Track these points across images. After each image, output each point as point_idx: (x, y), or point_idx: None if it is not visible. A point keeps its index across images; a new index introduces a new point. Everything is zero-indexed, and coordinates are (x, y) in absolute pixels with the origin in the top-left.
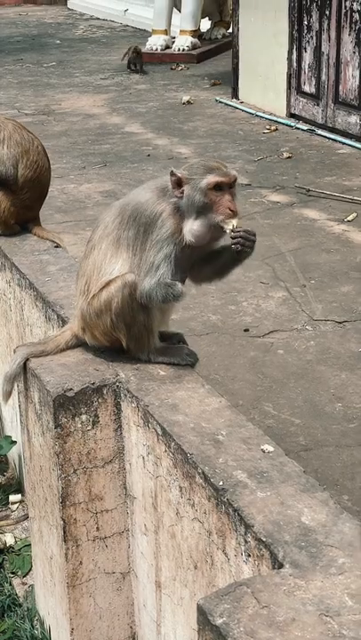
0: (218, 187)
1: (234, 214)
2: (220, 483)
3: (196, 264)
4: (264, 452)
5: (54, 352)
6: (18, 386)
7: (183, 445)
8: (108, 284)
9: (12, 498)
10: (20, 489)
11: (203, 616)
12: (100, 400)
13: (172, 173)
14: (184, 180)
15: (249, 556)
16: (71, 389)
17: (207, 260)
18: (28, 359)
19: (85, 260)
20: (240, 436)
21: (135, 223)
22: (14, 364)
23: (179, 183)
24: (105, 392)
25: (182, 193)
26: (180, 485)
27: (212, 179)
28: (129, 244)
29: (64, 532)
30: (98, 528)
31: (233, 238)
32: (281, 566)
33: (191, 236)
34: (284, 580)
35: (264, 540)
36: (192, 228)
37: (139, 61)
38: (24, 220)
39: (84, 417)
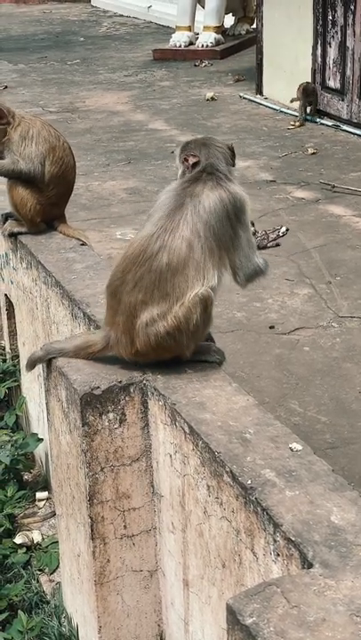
0: None
1: None
2: (249, 481)
3: None
4: (292, 450)
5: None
6: (44, 384)
7: (211, 444)
8: (182, 304)
9: (39, 495)
10: (46, 486)
11: (232, 616)
12: (127, 398)
13: (232, 147)
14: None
15: (278, 555)
16: (98, 387)
17: None
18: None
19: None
20: (268, 434)
21: (223, 225)
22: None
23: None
24: (132, 390)
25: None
26: (208, 484)
27: None
28: (226, 249)
29: (91, 530)
30: (125, 526)
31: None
32: (311, 566)
33: None
34: (313, 580)
35: (293, 539)
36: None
37: (315, 102)
38: (50, 218)
39: (111, 415)
